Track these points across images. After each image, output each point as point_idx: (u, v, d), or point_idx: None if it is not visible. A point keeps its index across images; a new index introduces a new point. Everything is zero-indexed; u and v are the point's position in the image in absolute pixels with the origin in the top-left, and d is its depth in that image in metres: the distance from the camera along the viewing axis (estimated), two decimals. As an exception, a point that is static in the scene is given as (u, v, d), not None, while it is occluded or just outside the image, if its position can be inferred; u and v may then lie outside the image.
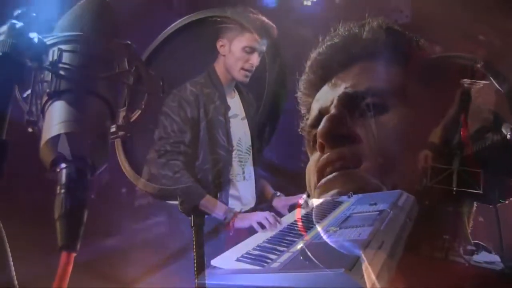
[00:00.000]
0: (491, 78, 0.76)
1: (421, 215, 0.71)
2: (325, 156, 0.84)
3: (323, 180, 0.83)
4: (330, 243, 1.13)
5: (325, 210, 1.69)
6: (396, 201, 0.73)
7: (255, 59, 1.78)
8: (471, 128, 0.73)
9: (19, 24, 0.81)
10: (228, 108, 1.81)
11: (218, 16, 1.38)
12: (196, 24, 1.51)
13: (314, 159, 0.88)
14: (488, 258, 0.78)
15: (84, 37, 0.83)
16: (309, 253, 1.07)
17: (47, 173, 0.76)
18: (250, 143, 1.89)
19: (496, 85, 0.76)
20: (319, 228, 1.44)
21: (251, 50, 1.79)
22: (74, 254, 0.74)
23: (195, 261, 0.75)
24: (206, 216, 1.41)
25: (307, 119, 1.01)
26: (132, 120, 0.85)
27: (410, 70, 0.86)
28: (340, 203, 1.62)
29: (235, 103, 1.90)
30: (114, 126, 0.84)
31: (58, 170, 0.76)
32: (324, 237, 1.27)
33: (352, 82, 0.86)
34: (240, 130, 1.88)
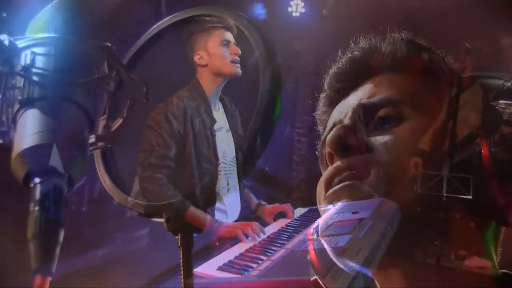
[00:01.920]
0: None
1: (413, 222, 0.70)
2: (333, 165, 0.80)
3: (330, 191, 0.80)
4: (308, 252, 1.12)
5: (309, 219, 1.70)
6: (378, 208, 0.72)
7: (235, 47, 1.76)
8: (460, 134, 0.72)
9: (-13, 25, 0.74)
10: (214, 121, 1.79)
11: (205, 14, 1.34)
12: (183, 24, 1.47)
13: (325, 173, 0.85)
14: (479, 263, 0.77)
15: (59, 39, 0.77)
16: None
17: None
18: (234, 154, 1.88)
19: None
20: (300, 237, 1.45)
21: (227, 42, 1.77)
22: (49, 278, 0.68)
23: (182, 282, 0.70)
24: (195, 235, 1.39)
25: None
26: (113, 129, 0.79)
27: (431, 85, 0.83)
28: (325, 212, 1.65)
29: (220, 115, 1.89)
30: (93, 136, 0.78)
31: (32, 185, 0.69)
32: (304, 245, 1.27)
33: (367, 95, 0.83)
34: (224, 142, 1.88)
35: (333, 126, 0.85)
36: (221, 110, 1.90)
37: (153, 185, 1.58)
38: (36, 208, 0.68)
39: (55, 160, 0.70)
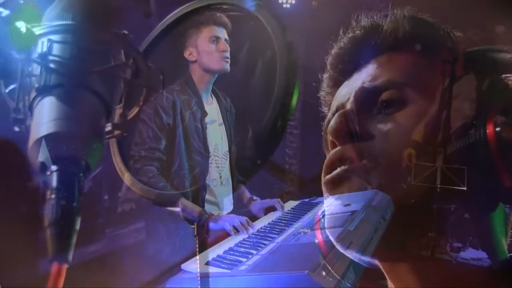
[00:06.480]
0: None
1: (407, 213, 0.68)
2: (332, 152, 0.78)
3: (327, 177, 0.78)
4: (298, 245, 1.11)
5: (299, 212, 1.70)
6: (370, 201, 0.71)
7: (224, 44, 1.81)
8: (454, 125, 0.70)
9: (4, 12, 0.74)
10: (205, 114, 1.83)
11: (221, 3, 1.34)
12: (197, 13, 1.48)
13: None
14: (475, 255, 0.75)
15: (76, 27, 0.76)
16: (276, 256, 1.06)
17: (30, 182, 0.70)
18: (227, 148, 1.92)
19: None
20: (290, 230, 1.44)
21: (216, 38, 1.81)
22: (66, 266, 0.67)
23: (198, 270, 0.70)
24: (211, 224, 1.41)
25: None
26: (129, 118, 0.79)
27: (436, 63, 0.79)
28: (316, 204, 1.63)
29: (212, 109, 1.93)
30: (109, 124, 0.77)
31: (49, 173, 0.69)
32: (294, 239, 1.26)
33: (370, 77, 0.80)
34: (217, 135, 1.92)
35: (336, 109, 0.83)
36: (215, 104, 1.93)
37: (143, 176, 1.64)
38: (53, 196, 0.67)
39: (71, 148, 0.70)
